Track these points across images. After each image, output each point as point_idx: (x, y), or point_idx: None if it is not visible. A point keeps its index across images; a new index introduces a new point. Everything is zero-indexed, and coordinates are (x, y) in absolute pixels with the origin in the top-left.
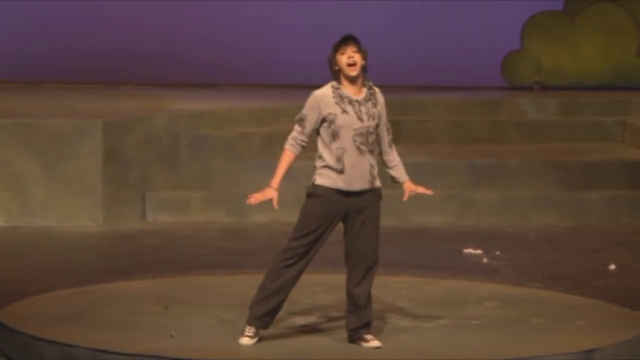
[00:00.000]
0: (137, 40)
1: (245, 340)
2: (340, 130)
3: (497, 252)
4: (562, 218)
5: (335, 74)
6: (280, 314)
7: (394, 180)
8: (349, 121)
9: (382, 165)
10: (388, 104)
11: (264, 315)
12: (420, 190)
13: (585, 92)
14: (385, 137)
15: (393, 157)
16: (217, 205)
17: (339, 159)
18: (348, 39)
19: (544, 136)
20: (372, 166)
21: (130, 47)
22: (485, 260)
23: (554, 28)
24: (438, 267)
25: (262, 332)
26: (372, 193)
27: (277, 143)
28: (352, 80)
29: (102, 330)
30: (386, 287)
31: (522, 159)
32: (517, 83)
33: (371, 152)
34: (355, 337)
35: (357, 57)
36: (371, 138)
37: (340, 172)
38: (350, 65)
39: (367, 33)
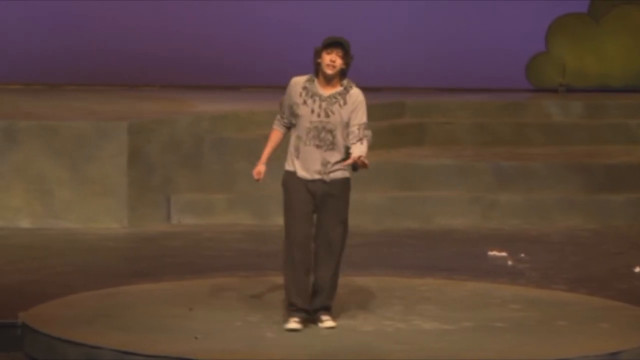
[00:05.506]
0: (160, 42)
1: (291, 325)
2: (299, 120)
3: (521, 255)
4: (586, 220)
5: (316, 67)
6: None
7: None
8: (306, 113)
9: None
10: (412, 106)
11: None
12: (351, 160)
13: (610, 94)
14: (356, 136)
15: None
16: (241, 207)
17: (296, 147)
18: (337, 44)
19: (569, 138)
20: (327, 162)
21: (153, 50)
22: (509, 262)
23: (578, 30)
24: (461, 270)
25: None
26: (328, 184)
27: None
28: (327, 78)
29: (126, 332)
30: (410, 289)
31: (546, 161)
32: (542, 85)
33: (328, 149)
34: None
35: (339, 62)
36: (328, 135)
37: (297, 158)
38: (328, 65)
39: (389, 35)
